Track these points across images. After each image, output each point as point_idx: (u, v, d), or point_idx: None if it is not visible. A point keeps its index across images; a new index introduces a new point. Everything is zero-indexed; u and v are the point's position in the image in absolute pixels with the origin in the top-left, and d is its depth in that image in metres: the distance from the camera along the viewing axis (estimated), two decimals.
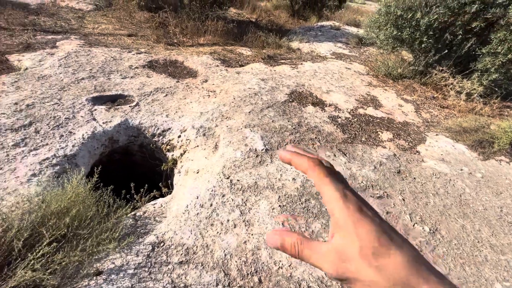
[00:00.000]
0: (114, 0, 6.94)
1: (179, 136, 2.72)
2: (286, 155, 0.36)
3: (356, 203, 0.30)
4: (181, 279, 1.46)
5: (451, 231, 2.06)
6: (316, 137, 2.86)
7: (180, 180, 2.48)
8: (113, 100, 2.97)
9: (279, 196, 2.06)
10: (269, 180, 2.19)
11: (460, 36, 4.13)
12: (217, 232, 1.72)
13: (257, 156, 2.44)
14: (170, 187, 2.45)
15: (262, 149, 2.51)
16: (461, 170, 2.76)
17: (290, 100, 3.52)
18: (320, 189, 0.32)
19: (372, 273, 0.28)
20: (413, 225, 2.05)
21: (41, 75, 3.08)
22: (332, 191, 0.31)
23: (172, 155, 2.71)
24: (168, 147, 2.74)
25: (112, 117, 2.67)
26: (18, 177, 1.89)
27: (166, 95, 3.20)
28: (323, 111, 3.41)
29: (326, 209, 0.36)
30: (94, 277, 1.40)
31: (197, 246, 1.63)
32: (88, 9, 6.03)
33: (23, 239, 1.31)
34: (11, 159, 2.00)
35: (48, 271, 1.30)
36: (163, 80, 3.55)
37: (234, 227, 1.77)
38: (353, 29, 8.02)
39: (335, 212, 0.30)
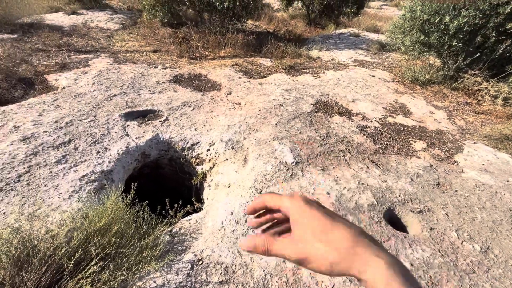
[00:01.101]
0: (139, 19, 7.30)
1: (208, 150, 2.74)
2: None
3: (307, 204, 0.37)
4: None
5: (505, 249, 1.89)
6: (346, 148, 2.78)
7: (210, 194, 2.48)
8: (144, 115, 3.06)
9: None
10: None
11: (493, 38, 3.93)
12: None
13: (287, 169, 2.39)
14: (200, 201, 2.46)
15: (292, 162, 2.47)
16: (507, 181, 2.57)
17: (316, 110, 3.47)
18: (280, 204, 0.39)
19: (323, 246, 0.33)
20: (461, 243, 1.91)
21: (77, 93, 3.25)
22: (284, 199, 0.38)
23: (202, 168, 2.72)
24: (197, 160, 2.76)
25: (144, 132, 2.75)
26: (61, 193, 1.96)
27: (193, 108, 3.26)
28: (350, 120, 3.33)
29: None
30: None
31: (235, 265, 1.60)
32: (116, 28, 6.36)
33: (73, 259, 1.34)
34: (54, 176, 2.09)
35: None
36: (189, 94, 3.62)
37: None
38: (372, 35, 7.89)
39: (292, 213, 0.37)
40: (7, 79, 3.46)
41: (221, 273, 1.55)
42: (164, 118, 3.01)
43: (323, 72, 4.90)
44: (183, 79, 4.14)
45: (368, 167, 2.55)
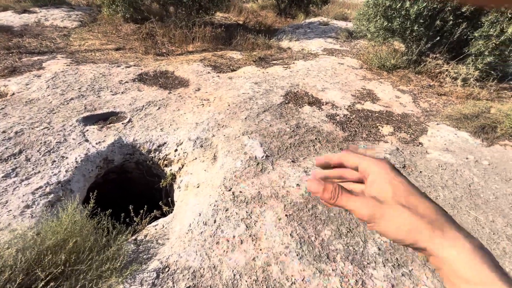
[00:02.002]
0: (99, 15, 6.85)
1: (176, 150, 2.64)
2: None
3: (394, 170, 0.35)
4: None
5: (464, 224, 1.99)
6: (316, 138, 2.79)
7: (181, 195, 2.40)
8: (105, 119, 2.88)
9: (285, 205, 1.98)
10: (272, 189, 2.11)
11: (451, 21, 4.08)
12: (224, 251, 1.64)
13: (257, 164, 2.36)
14: (171, 205, 2.37)
15: (262, 156, 2.44)
16: (467, 158, 2.70)
17: (286, 101, 3.45)
18: (359, 162, 0.37)
19: (406, 211, 0.31)
20: None
21: (28, 99, 2.99)
22: (367, 160, 0.37)
23: (170, 170, 2.62)
24: (165, 162, 2.65)
25: (105, 136, 2.59)
26: (11, 210, 1.80)
27: (159, 108, 3.12)
28: (320, 110, 3.34)
29: (351, 188, 0.40)
30: None
31: (204, 268, 1.55)
32: (73, 26, 5.94)
33: (18, 281, 1.22)
34: (2, 192, 1.91)
35: None
36: (155, 92, 3.46)
37: (241, 244, 1.69)
38: (341, 23, 7.97)
39: (373, 172, 0.35)
40: None
41: (188, 278, 1.50)
42: (127, 120, 2.85)
43: (293, 63, 4.88)
44: (148, 77, 3.95)
45: None
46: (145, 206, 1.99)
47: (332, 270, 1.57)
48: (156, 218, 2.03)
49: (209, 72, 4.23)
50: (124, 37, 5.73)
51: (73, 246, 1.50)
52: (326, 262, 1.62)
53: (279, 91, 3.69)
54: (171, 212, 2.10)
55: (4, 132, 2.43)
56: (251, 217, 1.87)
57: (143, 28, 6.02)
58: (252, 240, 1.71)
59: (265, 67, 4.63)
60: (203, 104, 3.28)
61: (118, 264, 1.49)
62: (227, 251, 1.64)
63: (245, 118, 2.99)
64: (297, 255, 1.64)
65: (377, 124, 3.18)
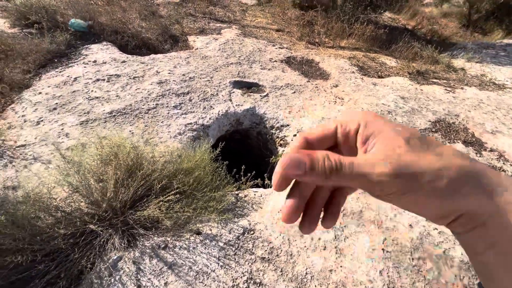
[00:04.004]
0: None
1: (295, 135, 2.74)
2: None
3: (382, 117, 0.29)
4: (259, 274, 1.48)
5: None
6: None
7: None
8: (249, 87, 3.30)
9: (385, 238, 1.74)
10: (378, 215, 1.88)
11: None
12: (305, 246, 1.64)
13: None
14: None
15: None
16: None
17: (433, 129, 2.88)
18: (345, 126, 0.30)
19: (434, 156, 0.24)
20: None
21: (204, 55, 3.79)
22: (356, 115, 0.30)
23: (283, 150, 2.77)
24: (281, 142, 2.82)
25: (244, 102, 2.98)
26: (170, 132, 2.42)
27: (294, 92, 3.27)
28: (478, 155, 2.61)
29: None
30: (194, 235, 1.63)
31: (281, 250, 1.61)
32: (252, 4, 6.90)
33: (162, 183, 1.66)
34: (169, 117, 2.58)
35: (168, 215, 1.60)
36: (295, 77, 3.64)
37: (324, 249, 1.63)
38: None
39: (368, 124, 0.28)
40: (163, 34, 4.36)
41: (266, 250, 1.60)
42: (265, 94, 3.17)
43: (462, 88, 3.93)
44: (294, 61, 4.18)
45: None
46: (253, 171, 2.21)
47: None
48: (257, 186, 2.23)
49: (353, 72, 4.03)
50: (287, 21, 6.20)
51: (197, 176, 1.88)
52: None
53: (428, 115, 3.11)
54: (271, 187, 2.25)
55: (183, 75, 3.21)
56: (343, 231, 1.76)
57: (306, 15, 6.30)
58: (336, 253, 1.62)
59: (420, 83, 3.96)
60: (335, 102, 3.20)
61: (220, 206, 1.75)
62: (307, 248, 1.63)
63: None
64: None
65: None
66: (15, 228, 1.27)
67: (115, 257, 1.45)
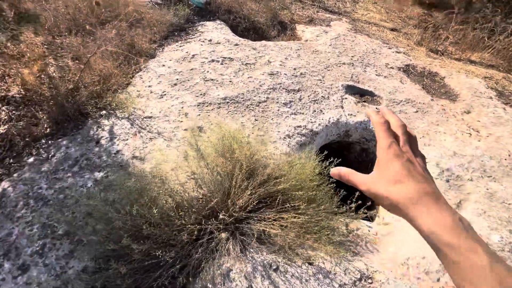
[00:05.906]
0: None
1: None
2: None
3: (395, 151, 0.39)
4: None
5: None
6: None
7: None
8: (362, 95, 2.92)
9: None
10: None
11: None
12: None
13: None
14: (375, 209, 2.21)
15: None
16: None
17: None
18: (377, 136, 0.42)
19: (391, 190, 0.38)
20: None
21: (315, 49, 3.50)
22: (382, 139, 0.41)
23: None
24: None
25: (357, 112, 2.64)
26: (279, 132, 2.27)
27: (417, 111, 2.77)
28: None
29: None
30: (307, 264, 1.46)
31: None
32: None
33: (286, 196, 1.52)
34: (279, 114, 2.42)
35: (284, 232, 1.47)
36: (417, 92, 3.09)
37: None
38: None
39: (379, 155, 0.41)
40: (272, 19, 4.19)
41: None
42: (381, 107, 2.75)
43: None
44: (414, 71, 3.57)
45: None
46: (359, 200, 1.92)
47: None
48: (366, 218, 1.95)
49: (491, 98, 3.25)
50: (403, 19, 5.39)
51: (315, 194, 1.68)
52: None
53: None
54: (385, 224, 1.94)
55: (295, 69, 3.00)
56: None
57: (428, 16, 5.36)
58: None
59: None
60: (470, 134, 2.60)
61: (337, 238, 1.54)
62: None
63: None
64: None
65: None
66: (159, 219, 1.28)
67: (228, 264, 1.39)
